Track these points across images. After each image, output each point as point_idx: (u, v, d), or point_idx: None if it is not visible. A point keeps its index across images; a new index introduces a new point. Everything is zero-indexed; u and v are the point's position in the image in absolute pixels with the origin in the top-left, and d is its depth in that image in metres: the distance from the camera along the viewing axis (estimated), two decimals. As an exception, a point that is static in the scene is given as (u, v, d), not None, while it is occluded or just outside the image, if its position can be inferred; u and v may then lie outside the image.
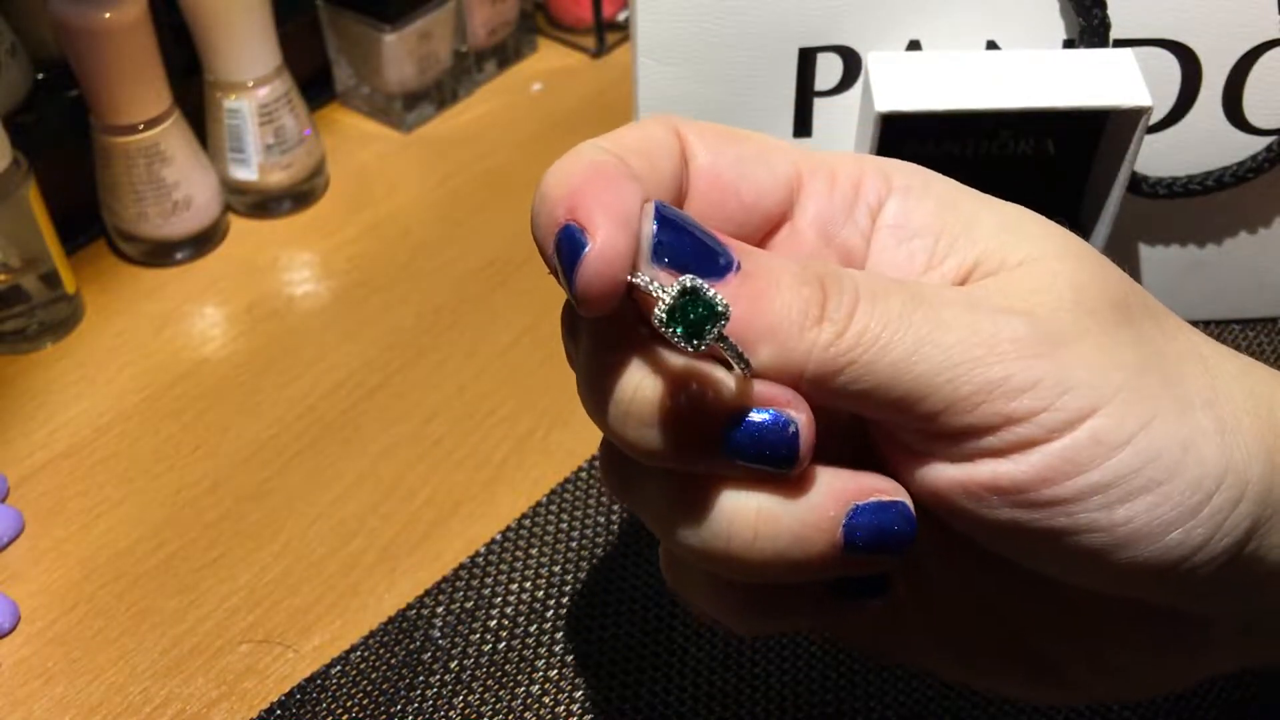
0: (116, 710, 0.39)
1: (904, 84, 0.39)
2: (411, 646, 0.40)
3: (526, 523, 0.44)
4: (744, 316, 0.23)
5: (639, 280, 0.22)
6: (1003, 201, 0.26)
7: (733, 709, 0.38)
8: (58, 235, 0.50)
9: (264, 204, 0.57)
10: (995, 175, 0.44)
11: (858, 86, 0.43)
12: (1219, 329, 0.50)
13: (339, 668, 0.40)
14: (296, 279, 0.54)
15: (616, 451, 0.25)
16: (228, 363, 0.50)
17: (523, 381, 0.49)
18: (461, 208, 0.58)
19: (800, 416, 0.23)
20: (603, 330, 0.24)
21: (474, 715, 0.38)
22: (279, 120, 0.55)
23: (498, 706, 0.39)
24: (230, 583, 0.42)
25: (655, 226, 0.23)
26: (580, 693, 0.39)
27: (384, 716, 0.38)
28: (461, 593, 0.42)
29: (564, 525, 0.44)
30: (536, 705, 0.39)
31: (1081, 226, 0.44)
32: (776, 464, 0.23)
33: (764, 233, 0.27)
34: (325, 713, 0.39)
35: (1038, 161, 0.43)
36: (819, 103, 0.43)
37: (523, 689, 0.39)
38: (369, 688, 0.39)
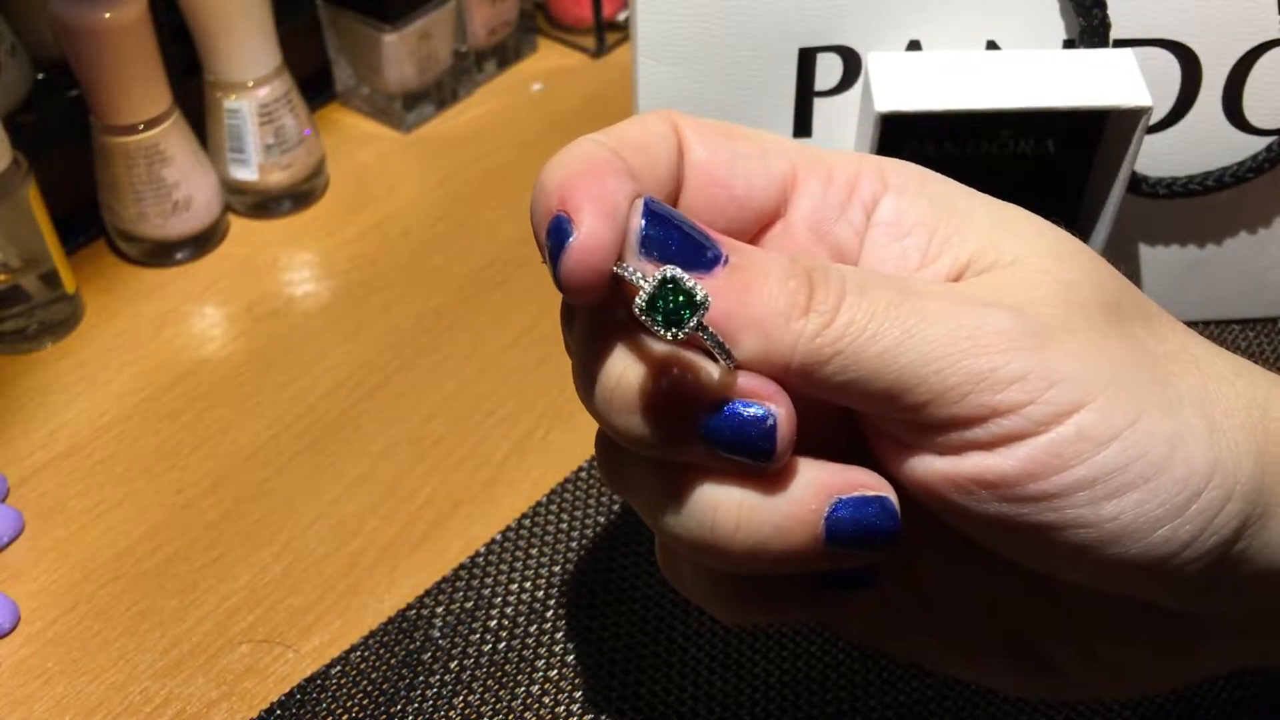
0: (116, 710, 0.39)
1: (904, 84, 0.39)
2: (411, 646, 0.40)
3: (526, 523, 0.44)
4: (730, 308, 0.23)
5: (623, 271, 0.23)
6: (998, 201, 0.26)
7: (733, 709, 0.38)
8: (58, 235, 0.50)
9: (264, 204, 0.57)
10: (995, 175, 0.44)
11: (858, 86, 0.43)
12: (1219, 329, 0.50)
13: (339, 668, 0.40)
14: (296, 279, 0.54)
15: (610, 441, 0.26)
16: (228, 363, 0.50)
17: (522, 381, 0.49)
18: (461, 208, 0.58)
19: (780, 410, 0.23)
20: (593, 320, 0.25)
21: (474, 715, 0.38)
22: (279, 120, 0.55)
23: (498, 706, 0.39)
24: (230, 583, 0.42)
25: (644, 221, 0.23)
26: (580, 693, 0.39)
27: (384, 716, 0.38)
28: (461, 593, 0.42)
29: (564, 525, 0.44)
30: (536, 705, 0.39)
31: (1081, 226, 0.44)
32: (754, 456, 0.23)
33: (758, 228, 0.27)
34: (325, 713, 0.39)
35: (1038, 161, 0.43)
36: (819, 103, 0.43)
37: (523, 689, 0.39)
38: (369, 688, 0.39)
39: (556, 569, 0.42)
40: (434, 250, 0.55)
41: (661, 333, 0.22)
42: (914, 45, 0.42)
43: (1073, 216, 0.44)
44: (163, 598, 0.42)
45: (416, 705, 0.39)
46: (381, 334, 0.51)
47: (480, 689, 0.39)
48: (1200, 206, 0.45)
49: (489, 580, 0.42)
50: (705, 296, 0.22)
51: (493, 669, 0.40)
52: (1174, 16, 0.41)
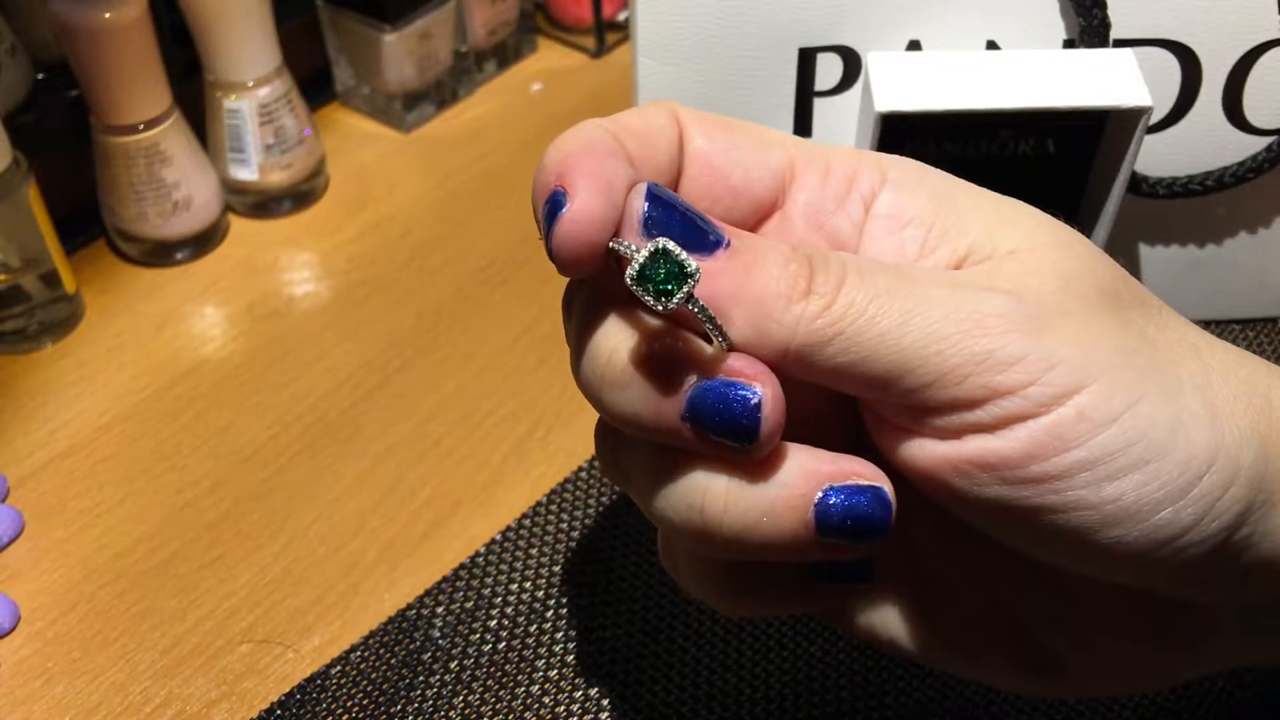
0: (116, 710, 0.39)
1: (904, 84, 0.39)
2: (411, 646, 0.40)
3: (526, 523, 0.44)
4: (731, 289, 0.23)
5: (619, 245, 0.23)
6: (998, 195, 0.27)
7: (733, 709, 0.38)
8: (58, 235, 0.50)
9: (264, 204, 0.57)
10: (995, 175, 0.44)
11: (858, 86, 0.43)
12: (1219, 329, 0.50)
13: (339, 668, 0.40)
14: (296, 279, 0.54)
15: (609, 429, 0.26)
16: (228, 363, 0.50)
17: (522, 381, 0.49)
18: (461, 208, 0.58)
19: (766, 390, 0.23)
20: (590, 298, 0.25)
21: (474, 715, 0.38)
22: (279, 120, 0.55)
23: (498, 706, 0.39)
24: (230, 583, 0.42)
25: (646, 204, 0.23)
26: (580, 693, 0.39)
27: (384, 716, 0.38)
28: (461, 593, 0.42)
29: (564, 525, 0.44)
30: (536, 705, 0.39)
31: (1081, 226, 0.44)
32: (739, 436, 0.23)
33: (755, 219, 0.27)
34: (325, 713, 0.39)
35: (1038, 161, 0.43)
36: (819, 103, 0.43)
37: (523, 689, 0.39)
38: (369, 688, 0.39)
39: (556, 569, 0.42)
40: (434, 250, 0.55)
41: (652, 303, 0.23)
42: (914, 45, 0.42)
43: (1073, 216, 0.44)
44: (163, 598, 0.42)
45: (416, 705, 0.39)
46: (381, 334, 0.51)
47: (480, 689, 0.39)
48: (1200, 206, 0.45)
49: (489, 580, 0.42)
50: (696, 268, 0.22)
51: (493, 669, 0.40)
52: (1174, 16, 0.41)
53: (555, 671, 0.39)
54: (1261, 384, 0.25)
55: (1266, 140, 0.44)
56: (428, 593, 0.42)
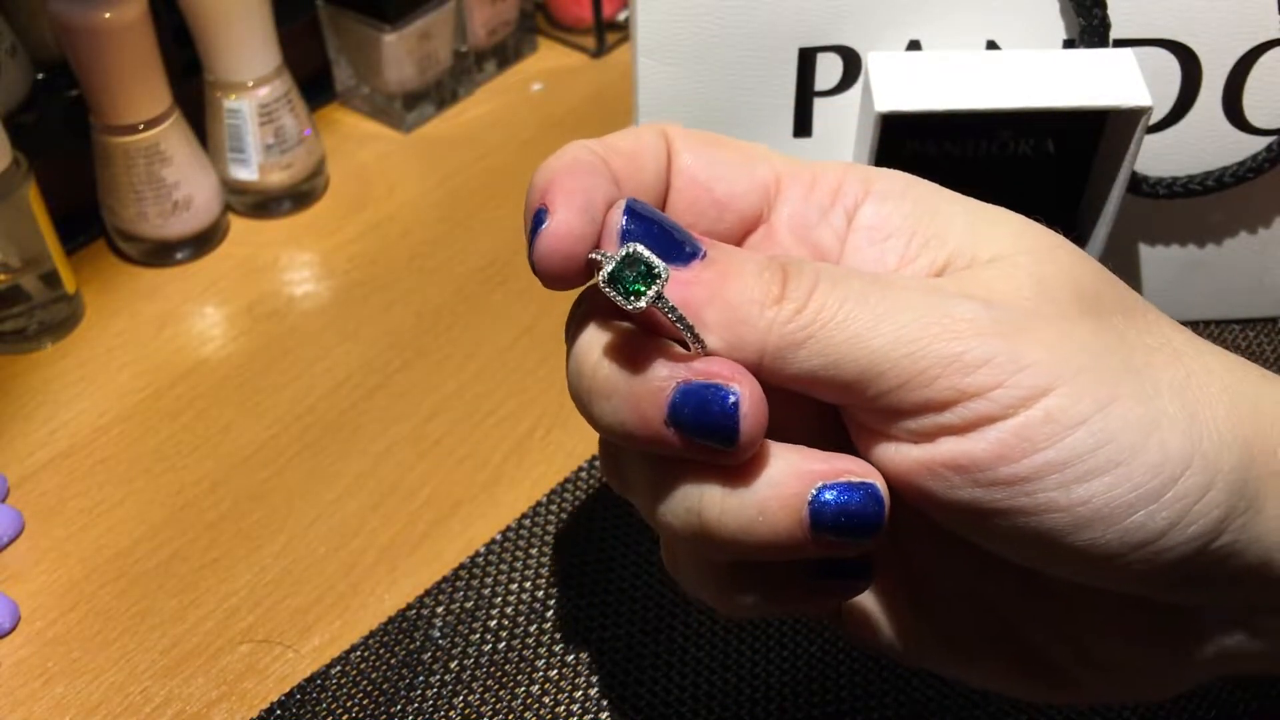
0: (116, 710, 0.39)
1: (904, 84, 0.39)
2: (411, 646, 0.40)
3: (526, 523, 0.44)
4: (706, 296, 0.24)
5: (596, 255, 0.24)
6: (981, 203, 0.27)
7: (732, 709, 0.38)
8: (58, 235, 0.50)
9: (264, 204, 0.57)
10: (995, 175, 0.44)
11: (858, 86, 0.43)
12: (1219, 329, 0.50)
13: (339, 668, 0.40)
14: (296, 279, 0.54)
15: (608, 442, 0.27)
16: (228, 363, 0.50)
17: (523, 381, 0.49)
18: (461, 208, 0.58)
19: (743, 390, 0.24)
20: (580, 316, 0.26)
21: (474, 715, 0.38)
22: (279, 120, 0.55)
23: (498, 706, 0.39)
24: (230, 583, 0.42)
25: (625, 218, 0.24)
26: (580, 693, 0.39)
27: (384, 716, 0.38)
28: (461, 593, 0.42)
29: (564, 525, 0.44)
30: (536, 705, 0.39)
31: (1081, 226, 0.44)
32: (720, 438, 0.24)
33: (741, 232, 0.28)
34: (325, 713, 0.39)
35: (1038, 161, 0.43)
36: (819, 103, 0.43)
37: (523, 689, 0.39)
38: (369, 688, 0.39)
39: (556, 569, 0.42)
40: (434, 250, 0.55)
41: (623, 303, 0.24)
42: (914, 45, 0.42)
43: (1073, 216, 0.44)
44: (163, 598, 0.42)
45: (416, 705, 0.39)
46: (381, 334, 0.51)
47: (480, 689, 0.39)
48: (1200, 206, 0.45)
49: (489, 580, 0.42)
50: (664, 268, 0.23)
51: (493, 669, 0.40)
52: (1174, 16, 0.41)
53: (555, 671, 0.39)
54: (1249, 390, 0.25)
55: (1266, 140, 0.44)
56: (428, 593, 0.42)
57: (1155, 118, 0.43)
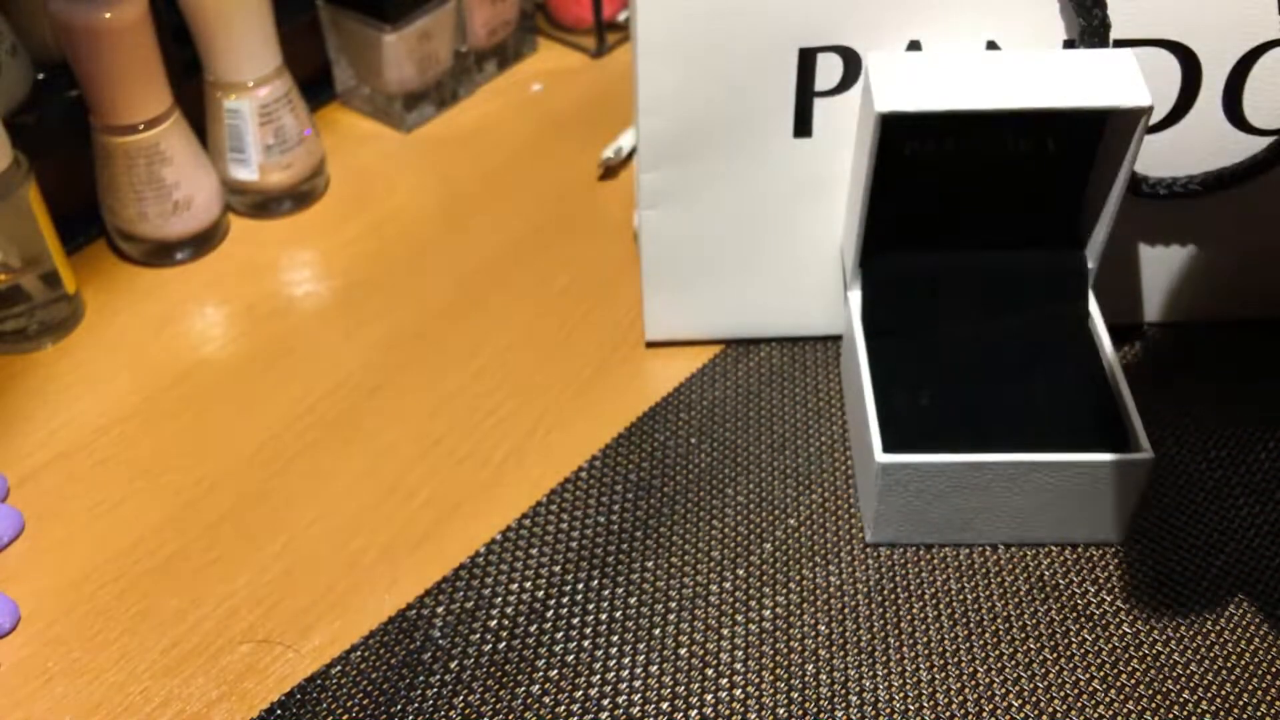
0: (116, 710, 0.39)
1: (904, 84, 0.39)
2: (412, 646, 0.40)
3: (526, 523, 0.44)
4: None
5: None
6: None
7: (735, 709, 0.38)
8: (58, 235, 0.50)
9: (264, 204, 0.57)
10: (995, 175, 0.44)
11: (858, 86, 0.43)
12: (1218, 329, 0.50)
13: (339, 668, 0.40)
14: (297, 279, 0.54)
15: None
16: (228, 363, 0.50)
17: (523, 381, 0.49)
18: (461, 208, 0.58)
19: None
20: None
21: (474, 715, 0.38)
22: (279, 120, 0.55)
23: (498, 706, 0.39)
24: (230, 583, 0.42)
25: None
26: (580, 692, 0.39)
27: (384, 716, 0.38)
28: (461, 593, 0.42)
29: (564, 525, 0.44)
30: (537, 705, 0.39)
31: (1081, 227, 0.44)
32: None
33: None
34: (325, 712, 0.39)
35: (1038, 161, 0.43)
36: (819, 103, 0.43)
37: (523, 689, 0.39)
38: (369, 688, 0.39)
39: (556, 569, 0.42)
40: (434, 250, 0.55)
41: None
42: (914, 45, 0.42)
43: (1073, 216, 0.44)
44: (163, 598, 0.42)
45: (417, 705, 0.39)
46: (382, 334, 0.51)
47: (480, 689, 0.39)
48: (1201, 206, 0.45)
49: (489, 580, 0.42)
50: None
51: (493, 669, 0.40)
52: (1174, 17, 0.41)
53: (555, 671, 0.39)
54: None
55: (1266, 140, 0.44)
56: (428, 593, 0.42)
57: (1155, 118, 0.43)
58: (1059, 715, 0.38)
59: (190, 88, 0.55)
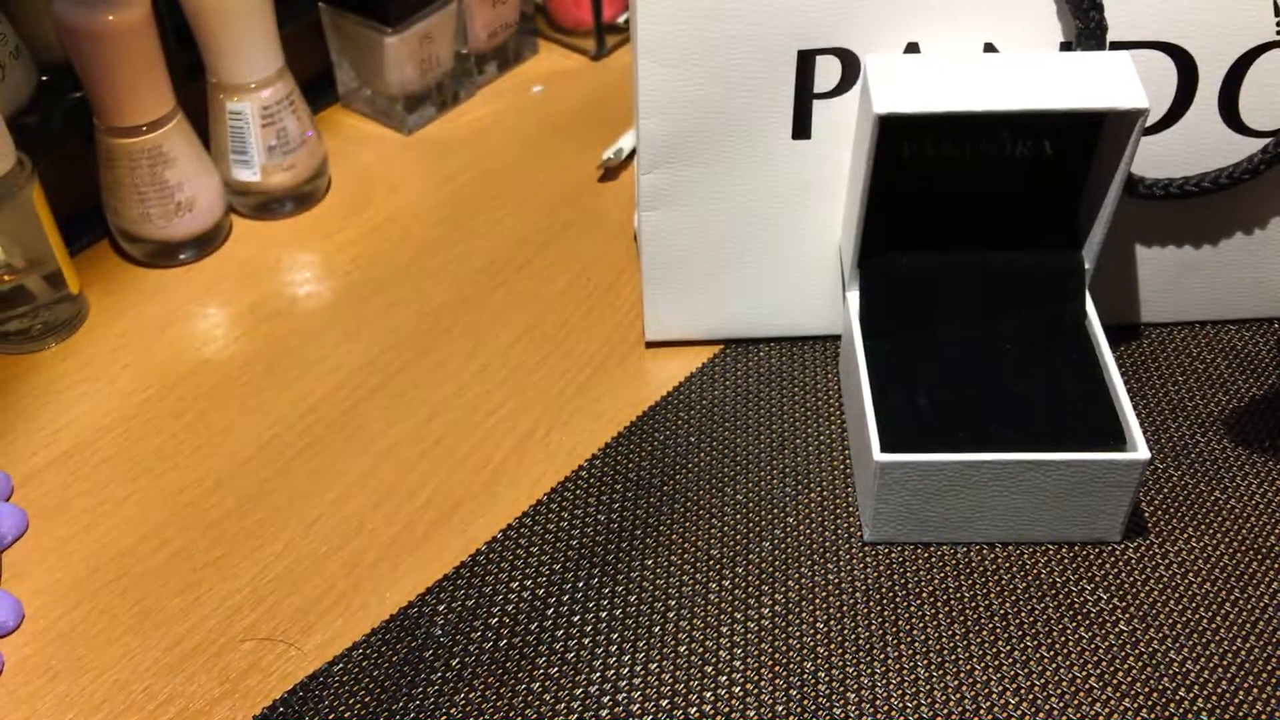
0: (120, 708, 0.39)
1: (902, 86, 0.40)
2: (413, 644, 0.40)
3: (527, 522, 0.44)
4: None
5: None
6: None
7: (737, 709, 0.39)
8: (61, 236, 0.51)
9: (266, 205, 0.57)
10: (993, 177, 0.44)
11: (856, 88, 0.43)
12: (1215, 330, 0.50)
13: (341, 665, 0.40)
14: (298, 279, 0.55)
15: None
16: (230, 363, 0.51)
17: (523, 381, 0.49)
18: (462, 209, 0.58)
19: None
20: None
21: (475, 712, 0.39)
22: (281, 122, 0.55)
23: (499, 704, 0.39)
24: (233, 581, 0.42)
25: None
26: (580, 690, 0.39)
27: (386, 714, 0.39)
28: (462, 591, 0.42)
29: (564, 524, 0.44)
30: (537, 703, 0.39)
31: (1079, 228, 0.44)
32: None
33: None
34: (327, 710, 0.39)
35: (1036, 163, 0.44)
36: (818, 104, 0.43)
37: (523, 686, 0.39)
38: (371, 685, 0.39)
39: (556, 568, 0.42)
40: (435, 251, 0.56)
41: None
42: (912, 47, 0.42)
43: (1071, 218, 0.44)
44: (166, 596, 0.42)
45: (418, 702, 0.39)
46: (383, 334, 0.52)
47: (481, 686, 0.39)
48: (1197, 208, 0.46)
49: (490, 578, 0.42)
50: None
51: (494, 666, 0.40)
52: (1170, 19, 0.41)
53: (555, 669, 0.40)
54: None
55: (1262, 142, 0.44)
56: (429, 591, 0.42)
57: (1152, 120, 0.44)
58: (1055, 713, 0.38)
59: (193, 90, 0.55)
